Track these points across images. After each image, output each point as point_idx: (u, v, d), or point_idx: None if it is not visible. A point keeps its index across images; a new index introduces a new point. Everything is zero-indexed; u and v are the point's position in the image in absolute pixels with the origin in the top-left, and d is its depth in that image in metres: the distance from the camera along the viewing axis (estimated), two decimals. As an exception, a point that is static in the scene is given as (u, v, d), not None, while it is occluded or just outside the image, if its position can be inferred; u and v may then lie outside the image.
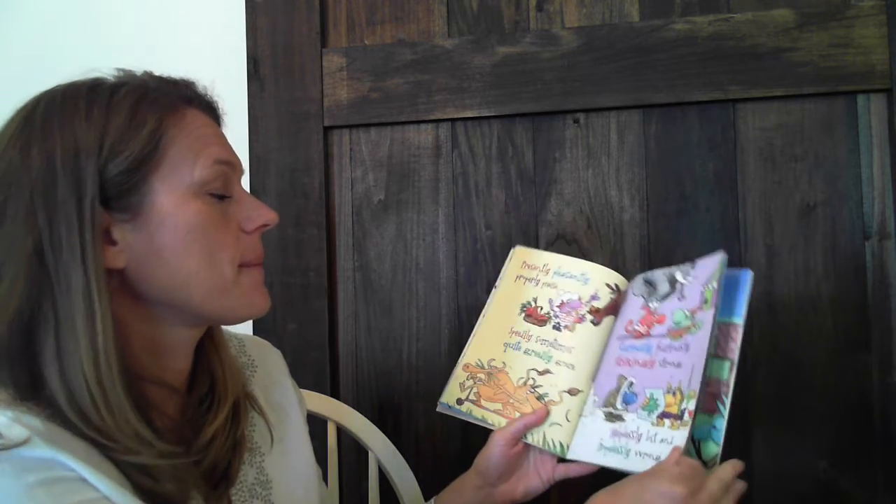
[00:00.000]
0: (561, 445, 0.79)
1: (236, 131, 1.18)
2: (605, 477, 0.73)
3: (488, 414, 0.83)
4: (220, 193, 0.62)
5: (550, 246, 1.12)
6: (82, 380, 0.54)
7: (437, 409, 0.85)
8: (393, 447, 1.00)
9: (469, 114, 1.13)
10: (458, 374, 0.86)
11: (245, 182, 1.17)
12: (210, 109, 0.66)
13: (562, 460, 0.81)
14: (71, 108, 0.57)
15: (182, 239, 0.59)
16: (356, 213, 1.18)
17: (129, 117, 0.58)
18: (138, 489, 0.55)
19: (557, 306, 0.86)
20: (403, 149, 1.17)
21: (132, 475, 0.55)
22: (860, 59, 1.04)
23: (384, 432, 1.01)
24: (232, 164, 0.64)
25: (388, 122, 1.16)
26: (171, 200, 0.59)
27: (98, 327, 0.55)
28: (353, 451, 1.15)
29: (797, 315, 1.06)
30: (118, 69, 0.62)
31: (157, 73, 0.64)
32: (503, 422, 0.82)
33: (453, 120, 1.15)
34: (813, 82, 1.05)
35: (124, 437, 0.55)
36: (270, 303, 0.66)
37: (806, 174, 1.08)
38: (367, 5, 1.19)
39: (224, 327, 0.76)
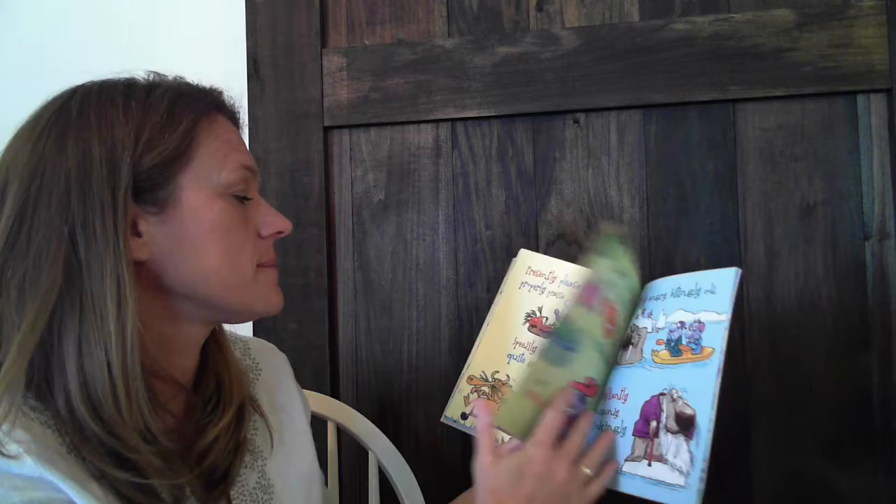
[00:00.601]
0: None
1: (236, 131, 1.18)
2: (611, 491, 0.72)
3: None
4: (241, 195, 0.64)
5: (550, 246, 1.12)
6: (104, 366, 0.54)
7: (441, 421, 0.84)
8: (393, 447, 1.00)
9: (469, 114, 1.13)
10: (463, 386, 0.84)
11: (245, 182, 1.17)
12: (234, 118, 0.68)
13: None
14: (108, 102, 0.59)
15: (205, 235, 0.61)
16: (356, 213, 1.18)
17: (165, 115, 0.60)
18: None
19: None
20: (403, 149, 1.17)
21: (124, 491, 0.54)
22: (860, 59, 1.04)
23: (384, 432, 1.01)
24: (254, 171, 0.66)
25: (388, 122, 1.16)
26: (198, 198, 0.61)
27: (127, 313, 0.56)
28: (354, 452, 1.15)
29: (797, 315, 1.06)
30: (149, 71, 0.65)
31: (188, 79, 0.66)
32: (507, 438, 0.79)
33: (453, 120, 1.15)
34: (813, 82, 1.05)
35: (131, 431, 0.55)
36: (283, 301, 0.68)
37: (806, 174, 1.08)
38: (367, 5, 1.19)
39: (230, 330, 0.76)
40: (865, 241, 1.06)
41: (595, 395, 0.76)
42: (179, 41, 1.22)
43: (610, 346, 0.77)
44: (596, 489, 0.70)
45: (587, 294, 0.76)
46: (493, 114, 1.13)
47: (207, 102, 0.64)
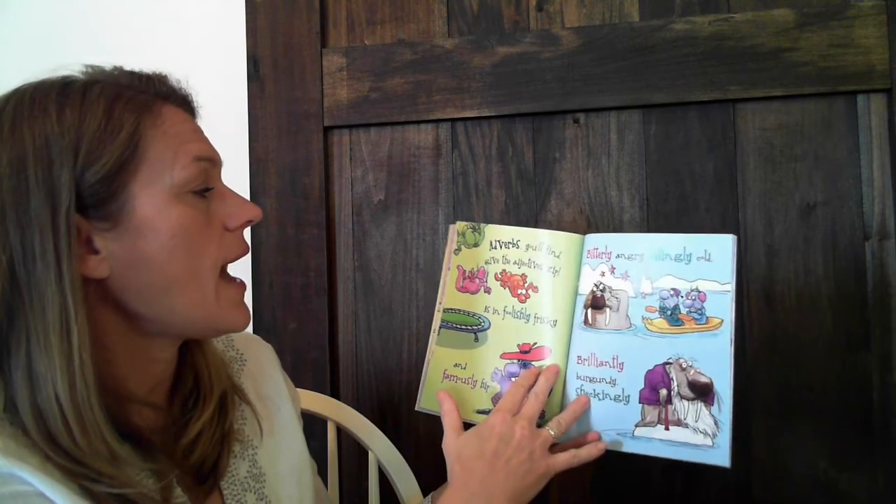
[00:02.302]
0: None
1: (236, 131, 1.18)
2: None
3: (474, 416, 0.83)
4: (202, 188, 0.60)
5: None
6: (54, 402, 0.52)
7: (417, 409, 0.85)
8: (393, 447, 1.00)
9: (469, 114, 1.13)
10: (431, 377, 0.85)
11: (245, 182, 1.17)
12: (185, 104, 0.63)
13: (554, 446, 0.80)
14: (41, 110, 0.54)
15: (165, 244, 0.57)
16: (356, 213, 1.18)
17: (104, 120, 0.55)
18: None
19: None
20: (403, 149, 1.17)
21: (103, 500, 0.53)
22: (860, 59, 1.04)
23: (384, 432, 1.01)
24: (212, 159, 0.61)
25: (388, 122, 1.16)
26: (152, 205, 0.56)
27: (74, 344, 0.52)
28: (354, 451, 1.15)
29: (797, 315, 1.06)
30: (87, 65, 0.59)
31: (127, 67, 0.61)
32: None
33: (453, 120, 1.15)
34: (813, 82, 1.05)
35: (97, 459, 0.53)
36: (250, 318, 0.66)
37: (806, 174, 1.08)
38: (367, 5, 1.19)
39: None
40: (865, 241, 1.06)
41: (545, 356, 0.81)
42: (179, 41, 1.22)
43: (541, 308, 0.81)
44: (569, 458, 0.74)
45: (466, 283, 0.85)
46: (493, 114, 1.13)
47: (151, 95, 0.59)
